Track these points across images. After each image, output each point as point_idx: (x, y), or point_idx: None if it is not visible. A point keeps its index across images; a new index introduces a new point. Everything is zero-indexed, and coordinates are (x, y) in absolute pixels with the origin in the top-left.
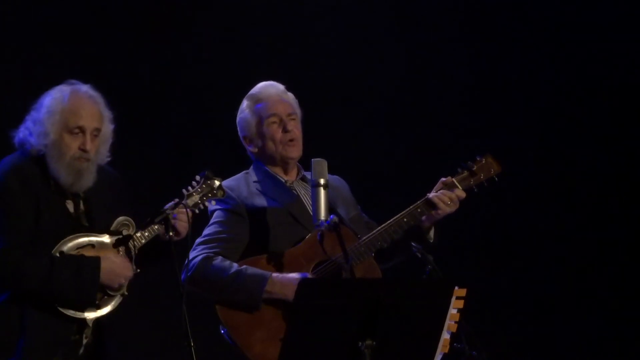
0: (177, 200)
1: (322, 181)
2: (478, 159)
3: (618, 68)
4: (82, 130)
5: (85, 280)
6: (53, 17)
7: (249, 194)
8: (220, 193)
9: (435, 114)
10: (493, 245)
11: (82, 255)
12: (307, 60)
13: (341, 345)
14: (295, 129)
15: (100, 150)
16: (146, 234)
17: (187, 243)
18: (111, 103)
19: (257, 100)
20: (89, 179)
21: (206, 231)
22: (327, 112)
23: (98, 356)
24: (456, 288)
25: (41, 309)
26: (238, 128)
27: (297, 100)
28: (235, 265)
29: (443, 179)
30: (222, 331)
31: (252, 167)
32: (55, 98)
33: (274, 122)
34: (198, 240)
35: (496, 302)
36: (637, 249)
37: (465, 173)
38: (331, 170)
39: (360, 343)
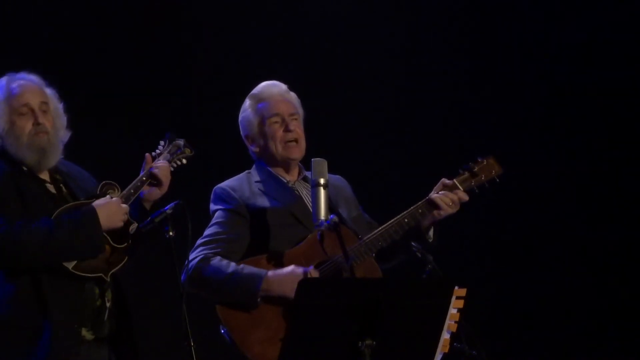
0: (178, 201)
1: (322, 181)
2: (479, 160)
3: (620, 68)
4: (29, 107)
5: (86, 226)
6: (52, 15)
7: (251, 194)
8: (187, 151)
9: (438, 114)
10: (493, 245)
11: (73, 208)
12: (308, 60)
13: (341, 345)
14: (297, 128)
15: (56, 125)
16: (132, 191)
17: (187, 243)
18: (111, 102)
19: (259, 100)
20: (54, 154)
21: (207, 232)
22: (327, 112)
23: (122, 320)
24: (456, 288)
25: (58, 281)
26: (240, 127)
27: (299, 100)
28: (232, 264)
29: (444, 179)
30: (222, 331)
31: (254, 166)
32: None
33: (276, 122)
34: (199, 240)
35: (496, 302)
36: (639, 250)
37: (467, 174)
38: (332, 171)
39: (360, 343)
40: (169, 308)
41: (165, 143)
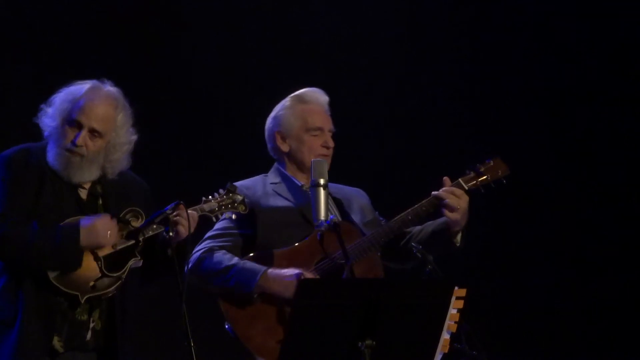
0: (177, 201)
1: (321, 181)
2: (487, 161)
3: (621, 70)
4: (79, 125)
5: (65, 239)
6: (58, 15)
7: (264, 193)
8: (241, 208)
9: (446, 115)
10: (493, 245)
11: (67, 224)
12: (309, 61)
13: (341, 345)
14: (332, 144)
15: (111, 157)
16: (150, 232)
17: (187, 244)
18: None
19: (305, 105)
20: (79, 174)
21: (217, 226)
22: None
23: (107, 348)
24: (456, 288)
25: (38, 286)
26: (273, 122)
27: None
28: (235, 258)
29: (447, 178)
30: (226, 326)
31: (271, 169)
32: (73, 88)
33: (317, 135)
34: (207, 234)
35: (496, 303)
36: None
37: (472, 174)
38: (337, 171)
39: (360, 343)
40: (169, 308)
41: (223, 192)
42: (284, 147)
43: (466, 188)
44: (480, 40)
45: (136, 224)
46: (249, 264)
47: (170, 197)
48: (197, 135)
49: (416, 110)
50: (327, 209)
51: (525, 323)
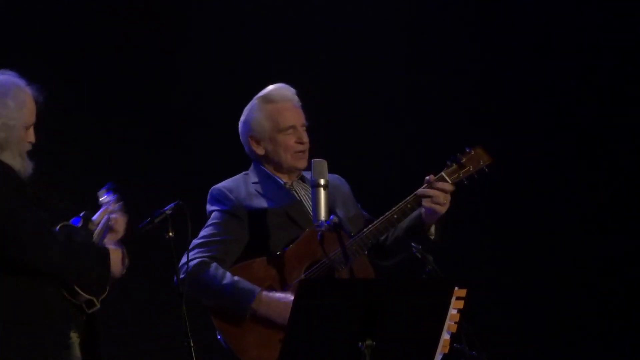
0: (177, 201)
1: (322, 181)
2: (467, 150)
3: (620, 69)
4: (32, 125)
5: (102, 271)
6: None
7: (248, 195)
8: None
9: (436, 113)
10: (493, 245)
11: (99, 245)
12: (307, 60)
13: (341, 345)
14: (307, 139)
15: None
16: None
17: (187, 243)
18: (110, 103)
19: (273, 105)
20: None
21: (203, 232)
22: (325, 112)
23: (92, 326)
24: (456, 288)
25: (57, 287)
26: (245, 127)
27: None
28: (228, 275)
29: (431, 176)
30: (219, 337)
31: (251, 167)
32: (13, 95)
33: (291, 133)
34: (194, 241)
35: (496, 303)
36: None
37: (454, 166)
38: (330, 170)
39: (360, 343)
40: (169, 308)
41: (110, 194)
42: (260, 151)
43: (449, 182)
44: (481, 41)
45: (92, 225)
46: (242, 284)
47: (170, 195)
48: (195, 135)
49: (416, 110)
50: (328, 209)
51: (525, 323)
